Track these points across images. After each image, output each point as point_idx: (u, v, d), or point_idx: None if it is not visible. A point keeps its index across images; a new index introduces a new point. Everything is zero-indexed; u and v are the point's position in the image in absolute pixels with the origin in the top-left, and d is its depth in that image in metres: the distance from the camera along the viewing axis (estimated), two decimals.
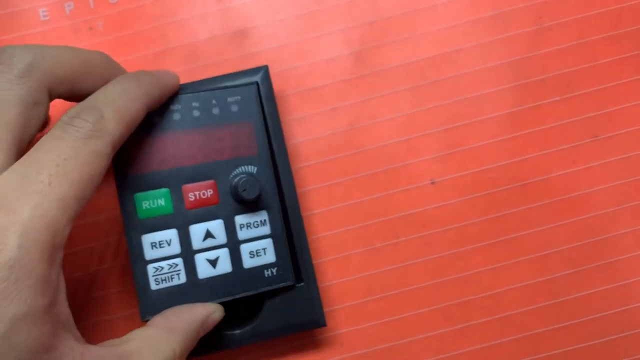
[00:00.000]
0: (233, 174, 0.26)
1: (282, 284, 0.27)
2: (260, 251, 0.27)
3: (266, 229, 0.27)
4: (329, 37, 0.30)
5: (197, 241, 0.26)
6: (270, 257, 0.27)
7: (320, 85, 0.30)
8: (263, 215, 0.27)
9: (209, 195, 0.26)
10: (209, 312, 0.25)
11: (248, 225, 0.27)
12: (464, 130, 0.30)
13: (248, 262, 0.27)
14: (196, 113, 0.26)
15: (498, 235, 0.30)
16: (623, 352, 0.30)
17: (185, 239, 0.26)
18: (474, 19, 0.30)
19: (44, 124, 0.22)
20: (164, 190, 0.26)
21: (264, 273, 0.27)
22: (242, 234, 0.27)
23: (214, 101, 0.27)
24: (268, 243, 0.27)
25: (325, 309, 0.30)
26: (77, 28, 0.30)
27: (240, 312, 0.28)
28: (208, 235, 0.26)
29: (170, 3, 0.30)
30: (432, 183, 0.30)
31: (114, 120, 0.21)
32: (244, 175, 0.26)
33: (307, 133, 0.30)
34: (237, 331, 0.27)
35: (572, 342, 0.30)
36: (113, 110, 0.21)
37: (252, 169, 0.27)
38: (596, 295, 0.30)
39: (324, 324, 0.28)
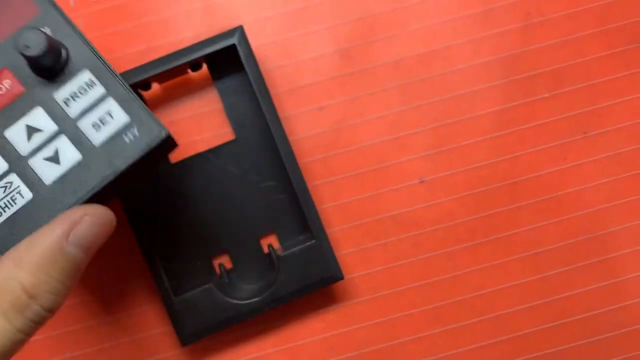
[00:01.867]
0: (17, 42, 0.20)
1: (154, 143, 0.21)
2: (104, 117, 0.21)
3: (99, 89, 0.21)
4: (316, 34, 0.30)
5: (22, 145, 0.21)
6: (121, 117, 0.21)
7: (308, 83, 0.30)
8: (86, 76, 0.21)
9: (7, 87, 0.21)
10: (72, 222, 0.19)
11: (74, 96, 0.21)
12: (454, 128, 0.30)
13: (97, 137, 0.21)
14: None
15: (488, 234, 0.30)
16: (616, 351, 0.29)
17: (7, 149, 0.21)
18: (464, 15, 0.30)
19: None
20: None
21: (124, 139, 0.21)
22: (72, 110, 0.21)
23: None
24: (110, 103, 0.21)
25: (315, 312, 0.29)
26: None
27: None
28: (31, 131, 0.21)
29: (153, 1, 0.29)
30: (422, 182, 0.30)
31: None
32: (26, 31, 0.20)
33: (294, 132, 0.30)
34: (256, 299, 0.27)
35: (564, 341, 0.30)
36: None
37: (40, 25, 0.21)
38: (588, 294, 0.30)
39: (341, 277, 0.28)
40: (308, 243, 0.28)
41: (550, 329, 0.30)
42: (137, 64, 0.29)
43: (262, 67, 0.29)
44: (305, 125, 0.30)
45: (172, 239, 0.29)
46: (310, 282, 0.28)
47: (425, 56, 0.30)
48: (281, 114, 0.29)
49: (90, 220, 0.20)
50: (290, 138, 0.29)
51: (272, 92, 0.29)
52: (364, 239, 0.30)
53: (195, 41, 0.28)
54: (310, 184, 0.29)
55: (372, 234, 0.30)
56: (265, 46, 0.30)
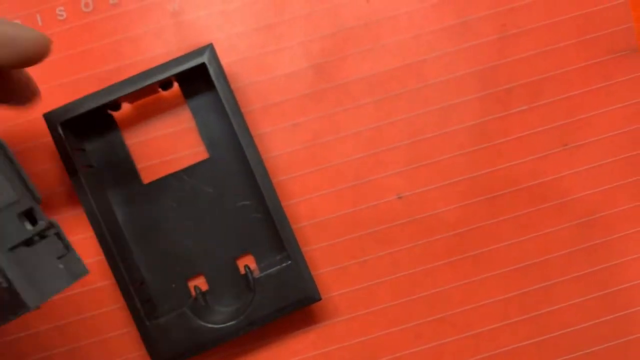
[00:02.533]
0: None
1: None
2: None
3: None
4: (289, 50, 0.29)
5: None
6: None
7: (282, 100, 0.29)
8: None
9: None
10: None
11: None
12: (431, 143, 0.29)
13: None
14: None
15: (468, 250, 0.29)
16: None
17: None
18: (438, 28, 0.29)
19: None
20: None
21: None
22: None
23: None
24: None
25: (292, 332, 0.29)
26: None
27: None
28: None
29: (121, 19, 0.29)
30: (399, 198, 0.29)
31: None
32: None
33: (269, 149, 0.29)
34: (232, 322, 0.27)
35: (546, 357, 0.29)
36: None
37: None
38: (570, 308, 0.29)
39: (318, 298, 0.27)
40: (284, 264, 0.27)
41: (532, 345, 0.29)
42: (108, 83, 0.29)
43: (235, 85, 0.29)
44: (280, 142, 0.29)
45: (146, 262, 0.29)
46: (287, 304, 0.27)
47: (399, 70, 0.29)
48: (255, 131, 0.29)
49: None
50: (265, 155, 0.29)
51: (246, 109, 0.29)
52: (342, 257, 0.29)
53: (167, 59, 0.28)
54: (287, 202, 0.29)
55: (351, 251, 0.29)
56: (237, 63, 0.29)
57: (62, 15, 0.29)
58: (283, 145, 0.29)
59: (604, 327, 0.29)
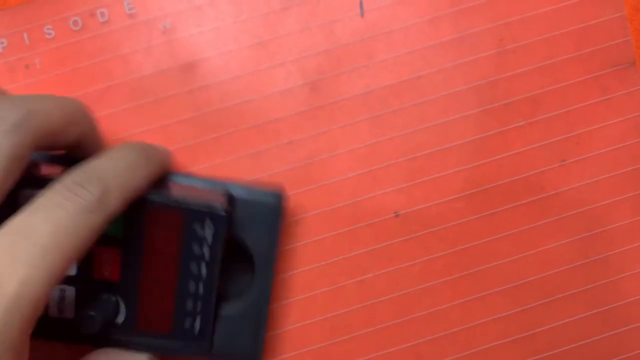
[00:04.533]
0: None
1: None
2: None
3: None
4: (283, 67, 0.29)
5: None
6: None
7: (276, 118, 0.29)
8: None
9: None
10: None
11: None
12: (428, 159, 0.29)
13: None
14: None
15: (467, 267, 0.29)
16: None
17: None
18: (434, 44, 0.29)
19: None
20: None
21: None
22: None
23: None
24: None
25: (288, 354, 0.28)
26: (12, 66, 0.28)
27: None
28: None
29: (111, 37, 0.28)
30: (396, 215, 0.29)
31: (117, 197, 0.20)
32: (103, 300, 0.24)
33: (263, 168, 0.29)
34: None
35: None
36: (119, 186, 0.20)
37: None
38: (572, 325, 0.29)
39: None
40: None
41: None
42: (99, 104, 0.28)
43: (228, 103, 0.28)
44: (275, 160, 0.29)
45: None
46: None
47: (396, 87, 0.29)
48: (249, 149, 0.28)
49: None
50: (260, 174, 0.28)
51: (239, 127, 0.28)
52: (339, 277, 0.29)
53: (159, 78, 0.27)
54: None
55: (347, 270, 0.29)
56: (230, 81, 0.28)
57: (50, 34, 0.28)
58: (278, 163, 0.29)
59: (605, 343, 0.29)
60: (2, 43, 0.28)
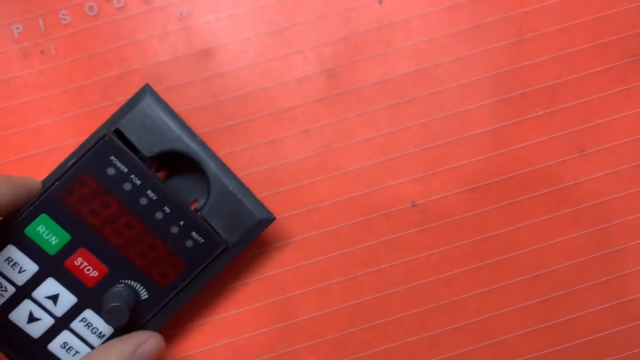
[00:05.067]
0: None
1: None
2: (71, 349, 0.25)
3: (94, 340, 0.25)
4: (300, 54, 0.28)
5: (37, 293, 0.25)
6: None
7: (293, 105, 0.28)
8: (106, 329, 0.25)
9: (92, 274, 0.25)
10: (139, 341, 0.24)
11: (88, 325, 0.25)
12: (445, 148, 0.29)
13: (52, 345, 0.25)
14: (159, 215, 0.24)
15: (485, 257, 0.29)
16: None
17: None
18: (452, 32, 0.28)
19: None
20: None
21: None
22: (75, 324, 0.25)
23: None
24: (85, 350, 0.25)
25: (305, 343, 0.28)
26: (27, 52, 0.28)
27: None
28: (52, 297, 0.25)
29: (127, 23, 0.28)
30: (414, 205, 0.29)
31: None
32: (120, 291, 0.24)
33: (279, 157, 0.28)
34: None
35: None
36: None
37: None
38: (590, 316, 0.29)
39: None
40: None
41: (551, 353, 0.29)
42: (113, 90, 0.28)
43: (244, 90, 0.28)
44: (292, 149, 0.28)
45: None
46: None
47: (413, 75, 0.28)
48: (265, 138, 0.28)
49: (153, 343, 0.24)
50: (276, 163, 0.28)
51: (255, 115, 0.28)
52: (355, 266, 0.28)
53: (173, 65, 0.27)
54: (298, 210, 0.28)
55: (364, 260, 0.28)
56: (247, 68, 0.28)
57: (65, 20, 0.28)
58: (294, 152, 0.28)
59: (624, 334, 0.29)
60: (18, 29, 0.28)
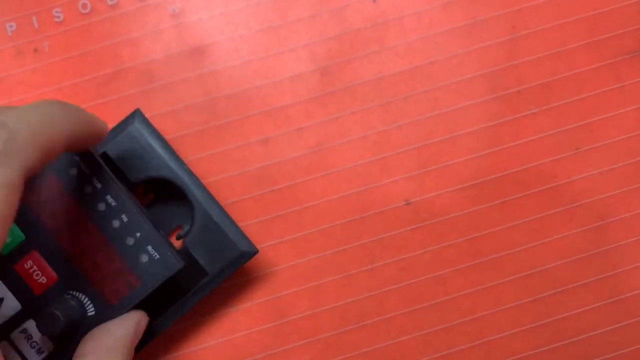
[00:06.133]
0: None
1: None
2: None
3: (32, 356, 0.23)
4: (293, 52, 0.28)
5: None
6: None
7: (286, 104, 0.28)
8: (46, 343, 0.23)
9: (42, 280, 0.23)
10: (137, 321, 0.23)
11: (28, 338, 0.23)
12: (439, 147, 0.28)
13: None
14: (116, 224, 0.23)
15: (479, 256, 0.29)
16: None
17: None
18: (446, 30, 0.28)
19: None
20: None
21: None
22: (15, 335, 0.23)
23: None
24: None
25: (298, 342, 0.28)
26: (20, 50, 0.28)
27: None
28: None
29: (120, 20, 0.28)
30: (407, 204, 0.28)
31: (28, 145, 0.17)
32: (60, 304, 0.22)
33: (272, 155, 0.28)
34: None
35: None
36: (28, 133, 0.17)
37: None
38: (583, 315, 0.29)
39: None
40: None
41: (545, 352, 0.29)
42: (106, 88, 0.28)
43: (237, 89, 0.28)
44: (285, 147, 0.28)
45: None
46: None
47: (407, 73, 0.28)
48: (259, 136, 0.28)
49: (145, 321, 0.23)
50: (267, 162, 0.28)
51: (249, 113, 0.28)
52: (349, 265, 0.28)
53: (167, 62, 0.27)
54: (292, 209, 0.28)
55: (357, 259, 0.28)
56: (240, 66, 0.28)
57: (59, 17, 0.28)
58: (287, 150, 0.28)
59: (619, 333, 0.29)
60: (11, 26, 0.28)
